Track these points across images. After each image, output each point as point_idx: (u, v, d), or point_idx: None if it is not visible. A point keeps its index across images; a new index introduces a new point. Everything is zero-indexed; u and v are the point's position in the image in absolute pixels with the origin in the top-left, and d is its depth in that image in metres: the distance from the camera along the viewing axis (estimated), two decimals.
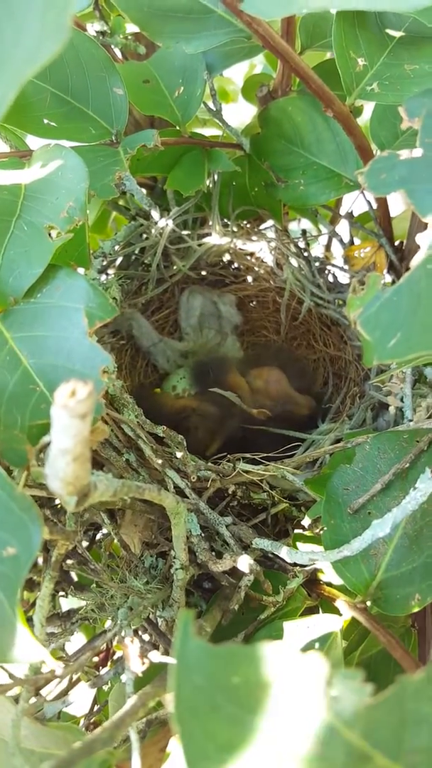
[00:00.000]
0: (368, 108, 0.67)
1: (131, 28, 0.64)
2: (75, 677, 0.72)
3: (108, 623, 0.59)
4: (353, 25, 0.51)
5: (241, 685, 0.24)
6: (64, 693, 0.72)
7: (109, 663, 0.74)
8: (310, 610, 0.54)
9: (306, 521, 0.52)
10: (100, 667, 0.74)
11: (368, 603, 0.43)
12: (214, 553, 0.48)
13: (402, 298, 0.32)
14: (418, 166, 0.34)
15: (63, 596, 0.67)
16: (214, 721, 0.24)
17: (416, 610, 0.40)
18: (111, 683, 0.71)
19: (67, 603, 0.70)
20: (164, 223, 0.65)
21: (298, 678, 0.24)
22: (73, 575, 0.66)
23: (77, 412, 0.26)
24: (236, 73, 1.05)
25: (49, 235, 0.40)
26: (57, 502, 0.56)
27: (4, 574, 0.30)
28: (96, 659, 0.75)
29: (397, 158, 0.34)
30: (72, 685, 0.72)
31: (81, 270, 0.61)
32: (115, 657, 0.75)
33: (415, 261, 0.33)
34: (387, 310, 0.32)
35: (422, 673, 0.22)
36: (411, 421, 0.53)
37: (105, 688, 0.74)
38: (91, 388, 0.26)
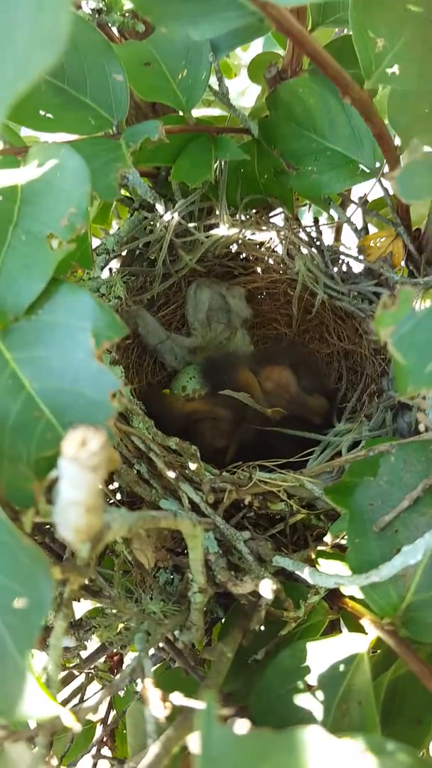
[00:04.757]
0: None
1: (128, 4, 0.60)
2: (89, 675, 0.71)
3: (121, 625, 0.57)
4: (371, 1, 0.47)
5: None
6: (79, 694, 0.71)
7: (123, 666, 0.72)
8: (332, 624, 0.52)
9: (327, 537, 0.49)
10: (115, 671, 0.73)
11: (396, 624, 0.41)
12: (232, 572, 0.46)
13: None
14: None
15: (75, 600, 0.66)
16: None
17: None
18: (127, 689, 0.70)
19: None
20: (169, 217, 0.62)
21: (334, 764, 0.22)
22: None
23: (89, 464, 0.23)
24: None
25: (50, 245, 0.37)
26: None
27: (14, 625, 0.28)
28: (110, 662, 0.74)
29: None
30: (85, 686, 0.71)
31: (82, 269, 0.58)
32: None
33: None
34: (424, 330, 0.29)
35: None
36: None
37: (120, 693, 0.73)
38: (105, 437, 0.23)
